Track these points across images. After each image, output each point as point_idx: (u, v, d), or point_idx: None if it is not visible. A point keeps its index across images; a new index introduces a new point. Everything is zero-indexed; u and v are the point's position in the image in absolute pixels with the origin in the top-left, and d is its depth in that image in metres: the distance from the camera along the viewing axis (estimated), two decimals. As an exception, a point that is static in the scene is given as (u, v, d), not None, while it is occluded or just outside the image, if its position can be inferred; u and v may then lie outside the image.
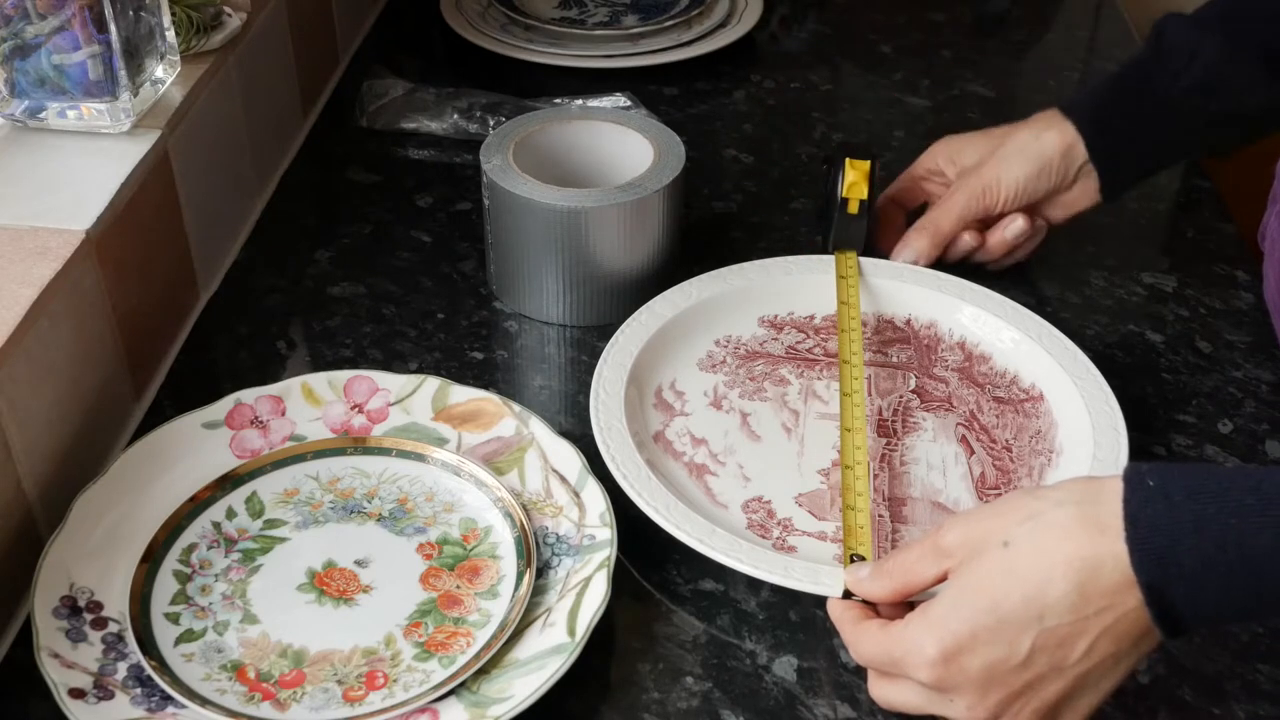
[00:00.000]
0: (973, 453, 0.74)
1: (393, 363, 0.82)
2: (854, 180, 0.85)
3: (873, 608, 0.60)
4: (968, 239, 0.86)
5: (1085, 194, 0.85)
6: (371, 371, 0.75)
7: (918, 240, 0.86)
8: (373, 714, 0.59)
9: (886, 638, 0.56)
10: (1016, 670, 0.53)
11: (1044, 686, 0.53)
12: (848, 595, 0.61)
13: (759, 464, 0.74)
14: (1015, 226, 0.85)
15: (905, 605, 0.59)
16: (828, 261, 0.86)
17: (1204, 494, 0.50)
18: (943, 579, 0.56)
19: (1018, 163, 0.84)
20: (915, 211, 0.89)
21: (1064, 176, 0.84)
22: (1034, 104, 1.12)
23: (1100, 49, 1.22)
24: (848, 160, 0.86)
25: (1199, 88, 0.80)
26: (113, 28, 0.74)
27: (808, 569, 0.64)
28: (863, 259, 0.85)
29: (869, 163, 0.86)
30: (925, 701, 0.56)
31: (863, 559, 0.63)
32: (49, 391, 0.67)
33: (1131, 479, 0.52)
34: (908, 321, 0.83)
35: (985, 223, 0.86)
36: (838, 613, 0.60)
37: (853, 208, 0.85)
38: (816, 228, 0.93)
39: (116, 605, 0.63)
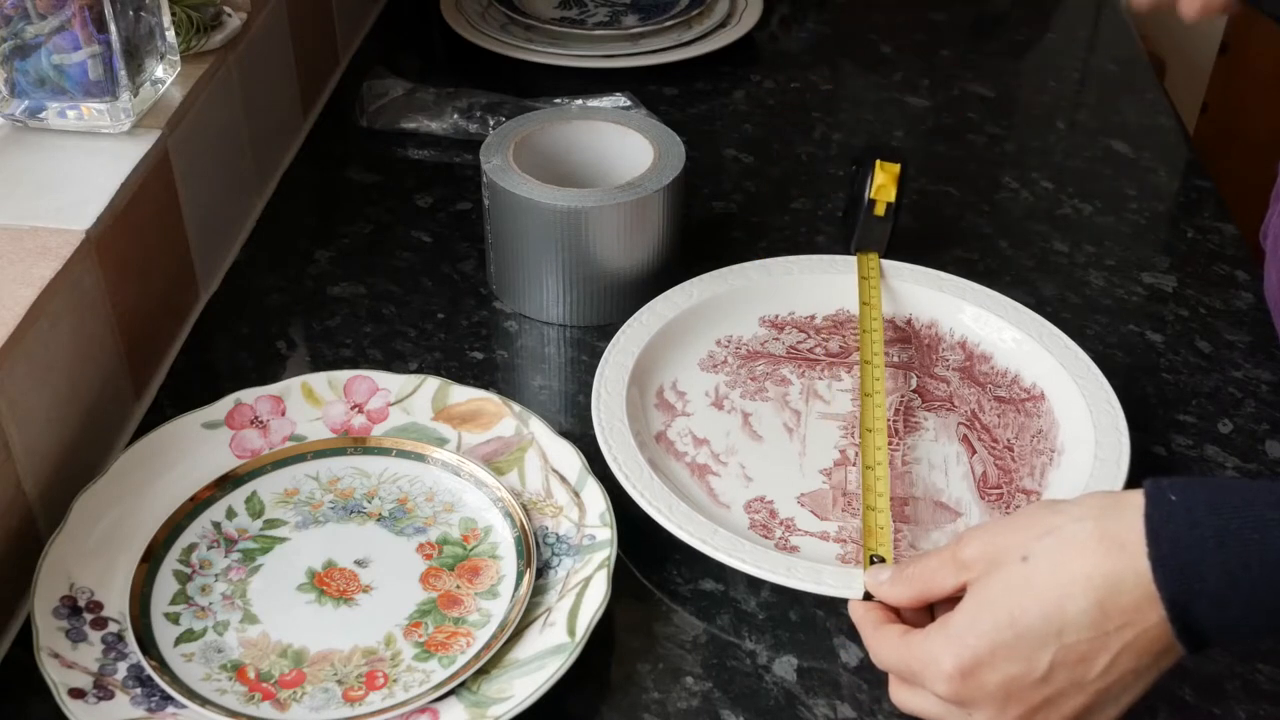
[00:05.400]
0: (974, 452, 0.74)
1: (393, 363, 0.81)
2: (883, 183, 0.85)
3: (895, 610, 0.59)
4: None
5: None
6: (371, 371, 0.75)
7: None
8: (373, 714, 0.59)
9: (906, 648, 0.56)
10: (1035, 686, 0.53)
11: (1063, 702, 0.53)
12: (868, 596, 0.60)
13: (761, 464, 0.74)
14: None
15: (926, 609, 0.59)
16: (828, 261, 0.86)
17: (1226, 509, 0.50)
18: (962, 589, 0.56)
19: None
20: None
21: None
22: (1034, 104, 1.13)
23: (1100, 49, 1.22)
24: (878, 162, 0.86)
25: None
26: (113, 28, 0.74)
27: (810, 569, 0.64)
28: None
29: (899, 166, 0.86)
30: (944, 713, 0.56)
31: (882, 560, 0.63)
32: (49, 391, 0.67)
33: (1153, 494, 0.52)
34: (909, 321, 0.83)
35: None
36: (859, 615, 0.59)
37: (879, 210, 0.85)
38: (840, 226, 0.92)
39: (116, 605, 0.63)
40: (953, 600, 0.56)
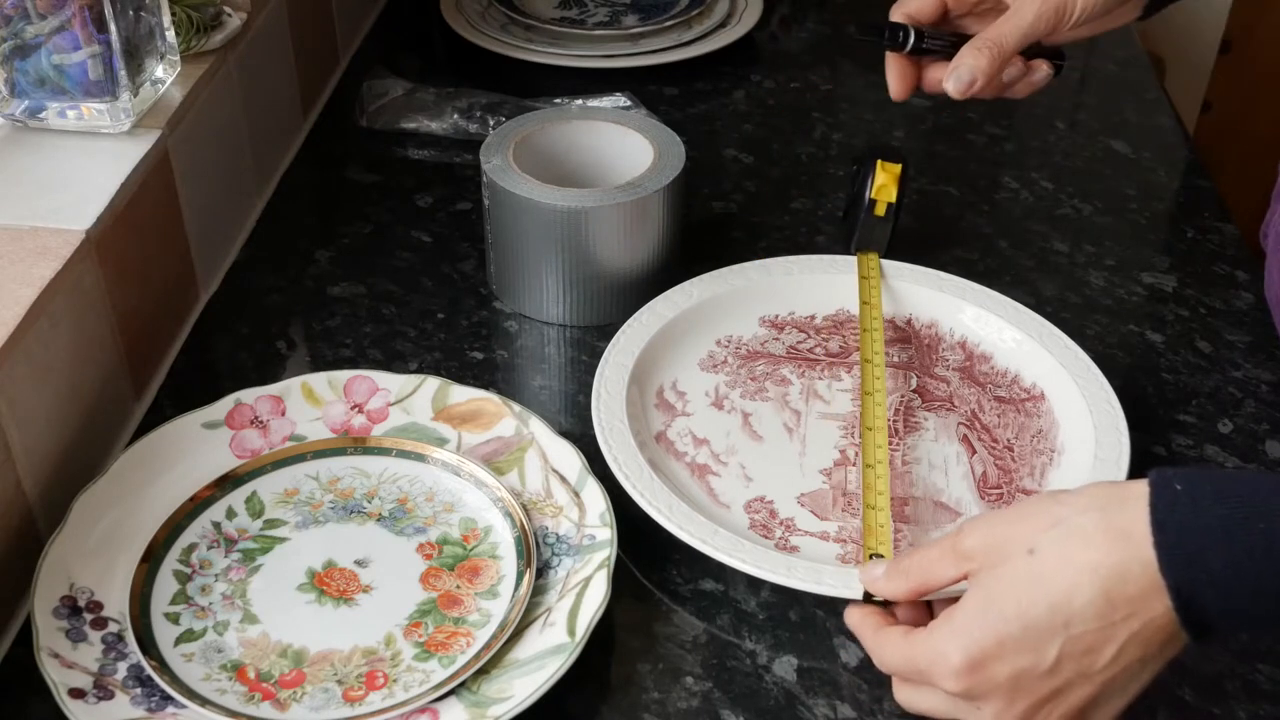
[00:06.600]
0: (974, 452, 0.74)
1: (393, 363, 0.81)
2: (884, 183, 0.85)
3: (889, 611, 0.59)
4: (1013, 68, 0.76)
5: (1127, 11, 0.76)
6: (371, 371, 0.75)
7: (976, 59, 0.73)
8: (373, 714, 0.59)
9: (910, 647, 0.56)
10: (1043, 678, 0.53)
11: (1071, 693, 0.53)
12: (867, 599, 0.60)
13: (761, 464, 0.74)
14: (1043, 74, 0.77)
15: (923, 605, 0.59)
16: (828, 261, 0.86)
17: (1232, 498, 0.50)
18: (961, 581, 0.56)
19: None
20: None
21: None
22: (1034, 104, 1.12)
23: (1100, 49, 1.22)
24: (879, 162, 0.86)
25: None
26: (113, 28, 0.74)
27: (810, 569, 0.64)
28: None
29: (900, 166, 0.85)
30: (952, 708, 0.56)
31: (883, 558, 0.63)
32: (49, 391, 0.67)
33: (1158, 484, 0.52)
34: (909, 321, 0.83)
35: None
36: (856, 620, 0.59)
37: (879, 210, 0.85)
38: (841, 226, 0.92)
39: (116, 605, 0.63)
40: (950, 598, 0.56)
